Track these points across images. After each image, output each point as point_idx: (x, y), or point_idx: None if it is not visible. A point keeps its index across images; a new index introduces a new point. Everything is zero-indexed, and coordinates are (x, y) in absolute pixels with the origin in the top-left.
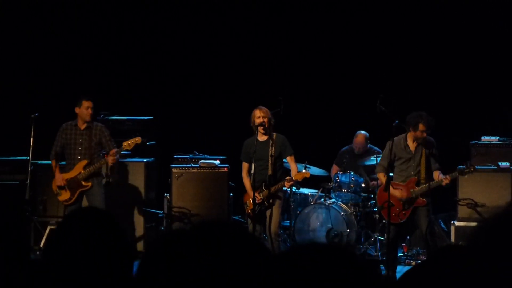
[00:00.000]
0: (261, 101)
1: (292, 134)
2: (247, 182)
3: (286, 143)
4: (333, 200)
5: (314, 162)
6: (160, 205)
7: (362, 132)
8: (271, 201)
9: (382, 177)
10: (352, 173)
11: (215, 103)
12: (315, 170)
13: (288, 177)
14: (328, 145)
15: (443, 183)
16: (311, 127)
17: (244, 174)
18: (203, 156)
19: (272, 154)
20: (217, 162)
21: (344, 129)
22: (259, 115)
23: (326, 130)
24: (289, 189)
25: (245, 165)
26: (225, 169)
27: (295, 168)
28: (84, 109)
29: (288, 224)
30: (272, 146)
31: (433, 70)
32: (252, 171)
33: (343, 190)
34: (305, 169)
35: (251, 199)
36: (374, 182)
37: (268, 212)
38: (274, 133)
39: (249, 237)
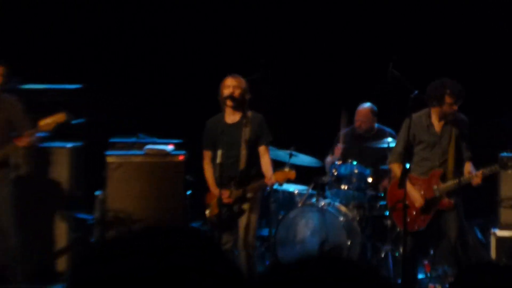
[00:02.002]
0: (236, 69)
1: (275, 111)
2: (209, 175)
3: (263, 126)
4: (329, 200)
5: (303, 148)
6: (90, 208)
7: (367, 104)
8: (243, 205)
9: (396, 169)
10: (354, 162)
11: (169, 69)
12: (305, 159)
13: (267, 178)
14: (322, 127)
15: (473, 182)
16: (300, 102)
17: (206, 164)
18: (151, 140)
19: (247, 138)
20: (170, 147)
21: (343, 105)
22: (229, 84)
23: (320, 106)
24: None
25: (207, 154)
26: (181, 157)
27: (269, 163)
28: None
29: (267, 233)
30: (245, 127)
31: (462, 23)
32: (218, 160)
33: (343, 187)
34: (290, 156)
35: (216, 200)
36: (386, 182)
37: (242, 220)
38: (249, 112)
39: (214, 252)
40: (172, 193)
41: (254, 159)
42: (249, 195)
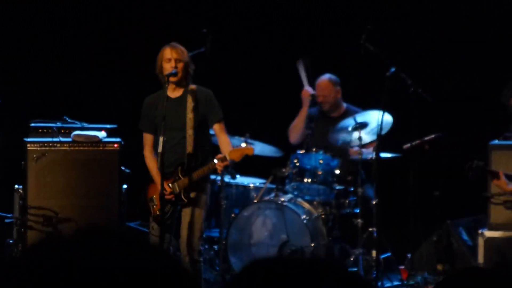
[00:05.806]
0: (175, 37)
1: (225, 90)
2: (153, 165)
3: (212, 102)
4: (290, 195)
5: (260, 135)
6: (8, 205)
7: (325, 75)
8: (191, 195)
9: None
10: (321, 152)
11: (98, 39)
12: (262, 148)
13: (219, 156)
14: (282, 109)
15: None
16: (255, 80)
17: (148, 152)
18: (79, 125)
19: (192, 117)
20: (102, 134)
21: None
22: (169, 57)
23: (280, 85)
24: (219, 177)
25: (148, 138)
26: (115, 145)
27: (227, 142)
28: None
29: (218, 234)
30: (190, 103)
31: None
32: (160, 149)
33: (306, 180)
34: (246, 144)
35: (159, 193)
36: (357, 149)
37: (185, 214)
38: (194, 86)
39: (158, 255)
40: (105, 187)
41: (201, 141)
42: (197, 182)
